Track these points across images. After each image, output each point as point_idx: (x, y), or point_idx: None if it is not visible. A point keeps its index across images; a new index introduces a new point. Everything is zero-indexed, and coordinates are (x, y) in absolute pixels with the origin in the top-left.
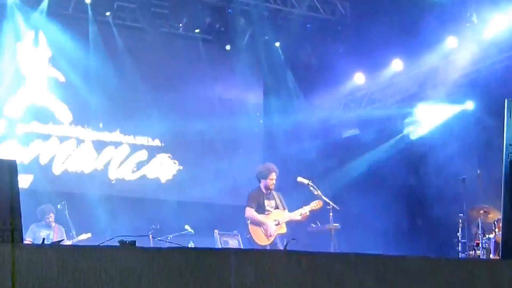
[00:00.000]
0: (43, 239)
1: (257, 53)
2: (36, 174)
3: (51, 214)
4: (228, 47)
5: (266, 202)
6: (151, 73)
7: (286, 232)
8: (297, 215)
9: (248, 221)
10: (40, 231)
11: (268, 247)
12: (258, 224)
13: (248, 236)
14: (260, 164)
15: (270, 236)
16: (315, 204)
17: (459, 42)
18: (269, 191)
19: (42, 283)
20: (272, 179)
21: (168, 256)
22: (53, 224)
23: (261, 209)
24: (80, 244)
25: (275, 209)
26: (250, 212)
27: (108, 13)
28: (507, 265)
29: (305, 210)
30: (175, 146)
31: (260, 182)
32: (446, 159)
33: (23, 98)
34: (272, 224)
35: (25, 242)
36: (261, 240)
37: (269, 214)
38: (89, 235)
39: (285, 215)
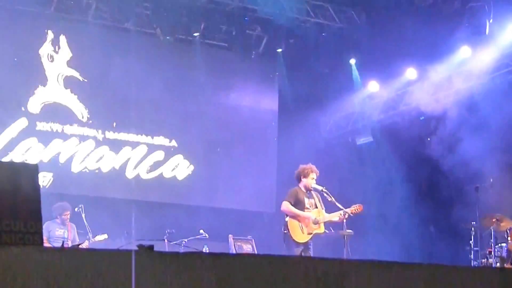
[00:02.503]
0: (63, 242)
1: (273, 61)
2: (55, 173)
3: (68, 212)
4: (244, 55)
5: (306, 200)
6: (168, 77)
7: (323, 232)
8: (335, 216)
9: (287, 218)
10: (55, 230)
11: (302, 247)
12: (297, 218)
13: (285, 231)
14: (293, 168)
15: (309, 234)
16: (356, 208)
17: (472, 51)
18: (309, 190)
19: (62, 286)
20: (313, 179)
21: (185, 261)
22: (67, 222)
23: (301, 207)
24: (96, 245)
25: (314, 208)
26: (287, 205)
27: (126, 22)
28: None
29: (342, 212)
30: (191, 148)
31: (300, 181)
32: (460, 167)
33: (44, 97)
34: (312, 222)
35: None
36: (299, 237)
37: (308, 210)
38: (105, 236)
39: (324, 215)
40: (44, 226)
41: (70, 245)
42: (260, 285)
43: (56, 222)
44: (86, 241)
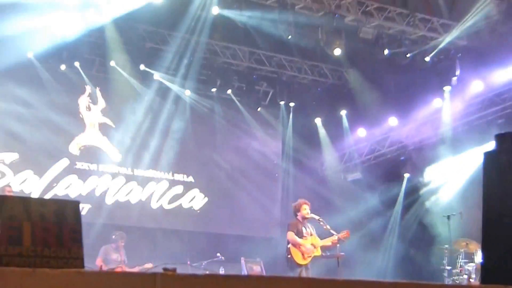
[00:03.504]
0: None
1: (277, 111)
2: (92, 204)
3: (124, 240)
4: (252, 106)
5: (303, 229)
6: (188, 124)
7: (320, 255)
8: (329, 241)
9: (289, 245)
10: (111, 253)
11: (304, 268)
12: (298, 245)
13: (288, 256)
14: (292, 202)
15: (308, 256)
16: (344, 234)
17: (443, 102)
18: (305, 220)
19: None
20: (306, 209)
21: (205, 282)
22: (121, 248)
23: (300, 235)
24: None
25: (310, 235)
26: (292, 236)
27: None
28: None
29: (335, 238)
30: (205, 183)
31: (296, 215)
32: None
33: (82, 141)
34: (309, 247)
35: (97, 260)
36: (300, 260)
37: (305, 238)
38: (150, 265)
39: (319, 241)
40: (102, 250)
41: (124, 267)
42: None
43: (112, 246)
44: (146, 264)
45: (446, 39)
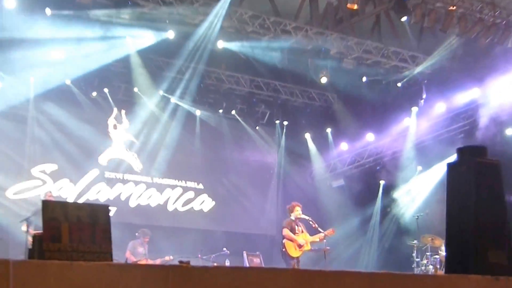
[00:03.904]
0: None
1: (273, 129)
2: (118, 207)
3: (148, 236)
4: (252, 124)
5: (296, 227)
6: (198, 140)
7: (310, 249)
8: (317, 237)
9: (284, 240)
10: (138, 247)
11: (295, 260)
12: (291, 240)
13: (283, 250)
14: (286, 205)
15: (299, 250)
16: (330, 231)
17: (412, 120)
18: (297, 219)
19: None
20: (298, 211)
21: (213, 272)
22: (146, 243)
23: (292, 232)
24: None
25: (301, 233)
26: (287, 232)
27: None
28: (448, 278)
29: (322, 235)
30: (213, 189)
31: (290, 215)
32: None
33: (110, 154)
34: (301, 242)
35: (126, 253)
36: (293, 253)
37: (297, 235)
38: (171, 257)
39: (309, 237)
40: (129, 244)
41: (147, 259)
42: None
43: (138, 241)
44: (166, 257)
45: (416, 69)
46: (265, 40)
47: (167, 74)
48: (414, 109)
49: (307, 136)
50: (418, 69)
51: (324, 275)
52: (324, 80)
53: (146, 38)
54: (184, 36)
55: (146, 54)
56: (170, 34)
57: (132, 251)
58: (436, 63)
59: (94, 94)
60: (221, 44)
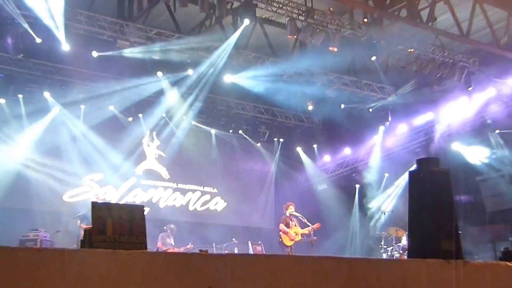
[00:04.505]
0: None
1: (272, 146)
2: (150, 208)
3: (173, 230)
4: (255, 142)
5: (290, 222)
6: (213, 154)
7: (300, 239)
8: (306, 230)
9: (280, 233)
10: (167, 239)
11: (289, 249)
12: (286, 233)
13: (280, 240)
14: (282, 204)
15: (292, 240)
16: (316, 225)
17: (381, 138)
18: (291, 216)
19: (159, 273)
20: (291, 209)
21: (224, 259)
22: (173, 235)
23: (287, 226)
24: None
25: (294, 226)
26: (282, 226)
27: (193, 122)
28: (409, 262)
29: (310, 228)
30: (225, 192)
31: (285, 212)
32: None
33: (144, 166)
34: (293, 234)
35: (158, 243)
36: (287, 243)
37: (291, 228)
38: (192, 246)
39: (300, 230)
40: (160, 236)
41: (174, 248)
42: (270, 268)
43: (167, 234)
44: (188, 245)
45: (388, 99)
46: (264, 75)
47: (187, 102)
48: (381, 128)
49: (299, 149)
50: (391, 99)
51: (312, 259)
52: (310, 107)
53: (173, 72)
54: (199, 72)
55: (171, 86)
56: (190, 72)
57: (162, 241)
58: (400, 93)
59: (130, 119)
60: (228, 78)
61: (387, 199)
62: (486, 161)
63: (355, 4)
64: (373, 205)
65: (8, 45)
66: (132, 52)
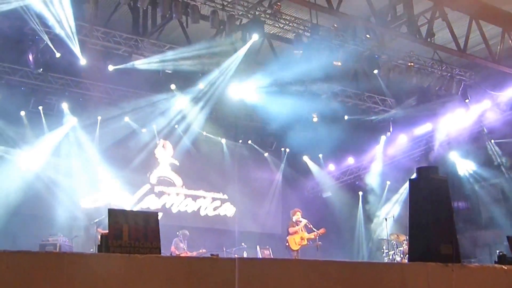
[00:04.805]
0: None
1: (279, 155)
2: (164, 213)
3: (186, 235)
4: (263, 152)
5: (297, 227)
6: (224, 163)
7: (306, 244)
8: (312, 235)
9: (288, 237)
10: (180, 243)
11: (296, 253)
12: (293, 237)
13: (287, 244)
14: (290, 210)
15: (299, 245)
16: (322, 230)
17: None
18: (298, 221)
19: (173, 276)
20: (298, 215)
21: (236, 263)
22: (186, 240)
23: (293, 231)
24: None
25: (301, 231)
26: (291, 230)
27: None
28: (410, 265)
29: (315, 233)
30: (235, 199)
31: (293, 218)
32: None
33: (158, 174)
34: (299, 238)
35: (171, 248)
36: (294, 247)
37: (298, 233)
38: (204, 250)
39: (306, 235)
40: (174, 241)
41: (187, 252)
42: (278, 271)
43: (180, 239)
44: (201, 250)
45: (390, 112)
46: (270, 87)
47: (199, 112)
48: (383, 138)
49: (306, 158)
50: (393, 112)
51: (318, 264)
52: (315, 119)
53: (184, 86)
54: (210, 84)
55: (183, 97)
56: (201, 86)
57: (175, 246)
58: (400, 106)
59: (144, 130)
60: (236, 92)
61: (389, 205)
62: (481, 170)
63: (358, 22)
64: (375, 211)
65: (29, 60)
66: (145, 64)
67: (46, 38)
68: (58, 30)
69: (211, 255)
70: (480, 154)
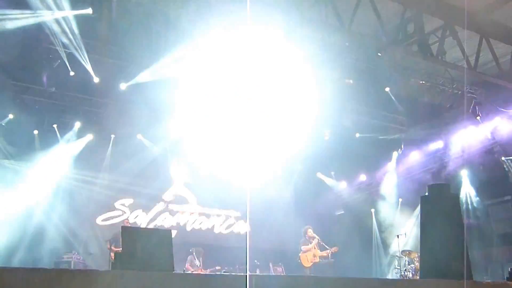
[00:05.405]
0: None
1: (291, 173)
2: (178, 230)
3: (200, 252)
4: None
5: (310, 245)
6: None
7: (319, 261)
8: (324, 253)
9: (300, 253)
10: (194, 260)
11: (308, 270)
12: (306, 254)
13: (299, 261)
14: (302, 227)
15: (311, 262)
16: (334, 249)
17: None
18: (310, 238)
19: None
20: (310, 232)
21: (249, 279)
22: (201, 257)
23: (306, 249)
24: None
25: (313, 248)
26: (304, 248)
27: None
28: (422, 282)
29: (328, 251)
30: (249, 216)
31: (305, 236)
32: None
33: (172, 192)
34: (312, 256)
35: (186, 265)
36: (306, 264)
37: (310, 251)
38: (219, 267)
39: (319, 252)
40: (188, 258)
41: (201, 269)
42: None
43: (194, 255)
44: (216, 267)
45: (401, 129)
46: None
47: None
48: (395, 155)
49: (320, 174)
50: (399, 132)
51: (332, 281)
52: (326, 137)
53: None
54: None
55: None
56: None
57: (190, 263)
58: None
59: (157, 149)
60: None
61: (401, 222)
62: (493, 186)
63: (370, 40)
64: (387, 228)
65: (43, 79)
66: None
67: (63, 55)
68: (72, 48)
69: (224, 272)
70: (493, 170)
